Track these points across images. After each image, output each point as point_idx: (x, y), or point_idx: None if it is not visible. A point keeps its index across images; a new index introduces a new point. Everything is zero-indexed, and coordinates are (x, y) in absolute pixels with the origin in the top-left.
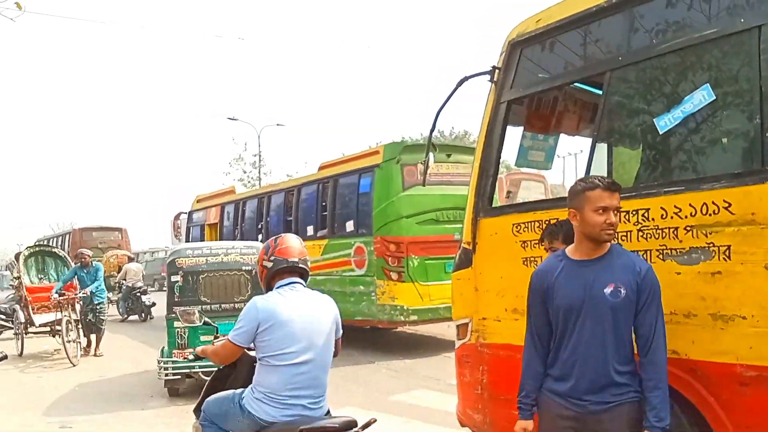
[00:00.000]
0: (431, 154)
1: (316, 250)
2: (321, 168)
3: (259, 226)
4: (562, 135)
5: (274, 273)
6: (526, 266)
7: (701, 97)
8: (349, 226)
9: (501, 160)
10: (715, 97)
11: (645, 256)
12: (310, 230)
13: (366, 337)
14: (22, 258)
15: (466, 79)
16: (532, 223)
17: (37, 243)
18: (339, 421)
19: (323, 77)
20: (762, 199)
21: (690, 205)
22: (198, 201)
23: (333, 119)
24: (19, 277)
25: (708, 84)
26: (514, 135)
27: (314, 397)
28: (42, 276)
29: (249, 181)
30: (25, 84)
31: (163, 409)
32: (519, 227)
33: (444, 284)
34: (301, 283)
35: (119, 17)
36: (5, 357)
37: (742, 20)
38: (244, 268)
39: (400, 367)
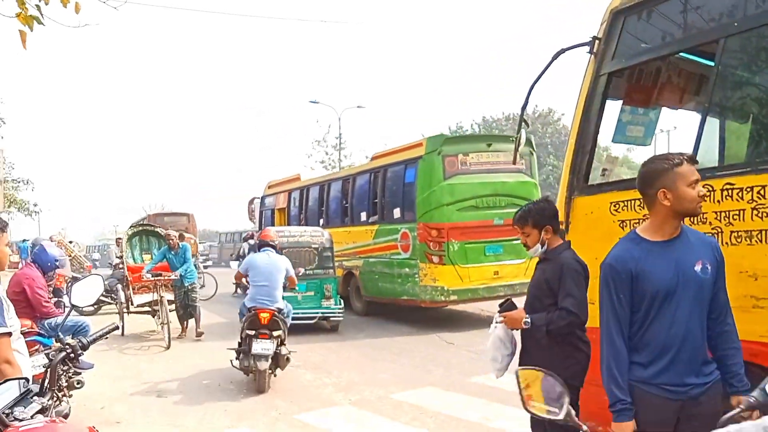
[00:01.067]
0: (523, 131)
1: (368, 235)
2: (373, 158)
3: (321, 211)
4: (663, 109)
5: (259, 245)
6: None
7: None
8: (396, 213)
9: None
10: None
11: (759, 236)
12: (363, 216)
13: (444, 318)
14: (125, 237)
15: (563, 51)
16: (632, 202)
17: (138, 223)
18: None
19: (404, 60)
20: None
21: None
22: (269, 187)
23: (414, 102)
24: (121, 257)
25: None
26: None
27: (269, 299)
28: (146, 254)
29: (330, 163)
30: (121, 73)
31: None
32: (618, 206)
33: (483, 266)
34: (271, 250)
35: (205, 4)
36: (117, 328)
37: None
38: (312, 246)
39: (481, 350)
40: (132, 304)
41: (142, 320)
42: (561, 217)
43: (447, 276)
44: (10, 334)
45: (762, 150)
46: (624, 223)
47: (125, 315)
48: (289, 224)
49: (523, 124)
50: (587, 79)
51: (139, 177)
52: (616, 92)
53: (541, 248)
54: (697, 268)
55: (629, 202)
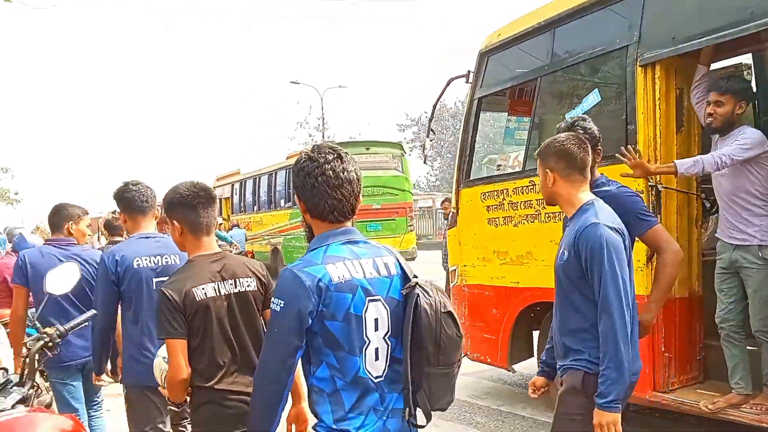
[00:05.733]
0: (427, 139)
1: (285, 217)
2: (287, 158)
3: (254, 199)
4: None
5: None
6: (490, 225)
7: (593, 98)
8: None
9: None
10: (600, 99)
11: (558, 216)
12: (282, 202)
13: None
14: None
15: (452, 79)
16: (494, 192)
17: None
18: None
19: (383, 39)
20: (616, 175)
21: None
22: (217, 180)
23: (395, 80)
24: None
25: (597, 89)
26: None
27: None
28: None
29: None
30: (99, 53)
31: None
32: (485, 195)
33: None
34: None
35: None
36: (95, 315)
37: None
38: None
39: None
40: None
41: None
42: (454, 203)
43: None
44: None
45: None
46: (489, 208)
47: None
48: (232, 212)
49: (429, 132)
50: (467, 102)
51: (114, 164)
52: (500, 107)
53: None
54: (559, 252)
55: (492, 192)
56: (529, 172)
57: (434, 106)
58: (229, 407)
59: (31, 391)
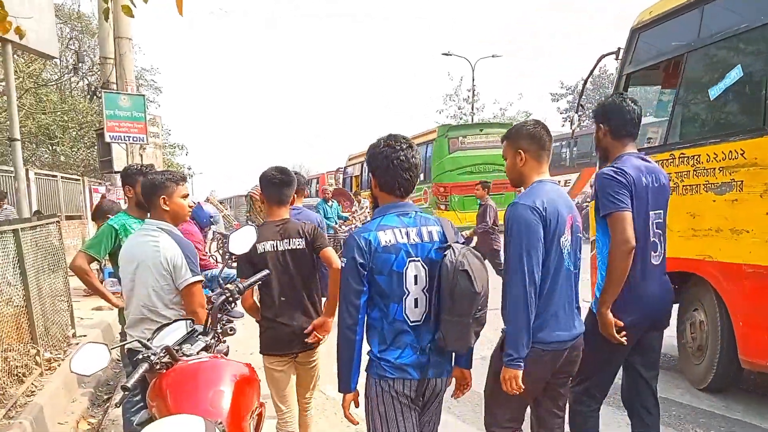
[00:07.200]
0: (576, 114)
1: None
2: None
3: None
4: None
5: None
6: None
7: (735, 73)
8: (421, 177)
9: None
10: (742, 74)
11: (694, 188)
12: None
13: None
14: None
15: (603, 56)
16: None
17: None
18: None
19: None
20: (761, 148)
21: (722, 152)
22: (349, 159)
23: (550, 45)
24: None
25: (740, 65)
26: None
27: None
28: None
29: (462, 117)
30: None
31: None
32: None
33: (473, 212)
34: None
35: None
36: (269, 274)
37: None
38: None
39: None
40: None
41: None
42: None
43: (450, 218)
44: (202, 281)
45: (703, 130)
46: None
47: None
48: (361, 189)
49: (579, 108)
50: (616, 78)
51: (273, 140)
52: (650, 82)
53: None
54: None
55: None
56: (670, 146)
57: (584, 83)
58: (281, 333)
59: (213, 340)
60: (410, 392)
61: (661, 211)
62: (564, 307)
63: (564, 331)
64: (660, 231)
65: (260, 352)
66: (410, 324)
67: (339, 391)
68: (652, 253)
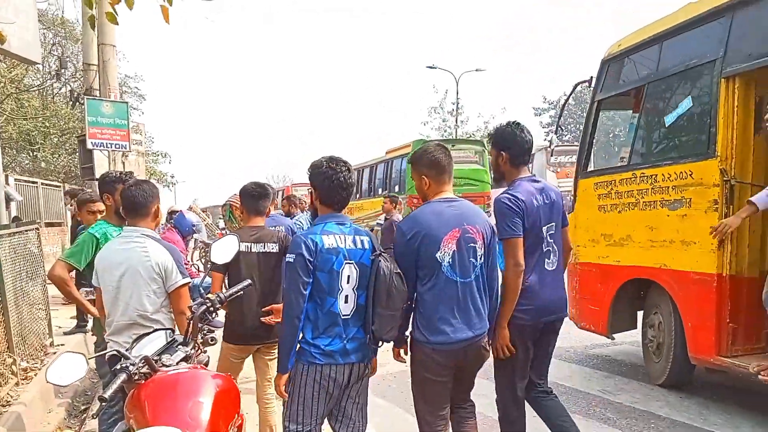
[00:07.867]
0: (555, 136)
1: (380, 204)
2: (386, 153)
3: (361, 186)
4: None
5: None
6: (600, 211)
7: (686, 103)
8: (397, 188)
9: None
10: (692, 104)
11: (652, 204)
12: (380, 190)
13: None
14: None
15: (578, 84)
16: (604, 182)
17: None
18: None
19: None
20: (706, 169)
21: (675, 172)
22: None
23: (533, 60)
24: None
25: (690, 96)
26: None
27: None
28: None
29: (446, 130)
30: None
31: None
32: (597, 185)
33: None
34: None
35: None
36: (250, 284)
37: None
38: None
39: None
40: None
41: None
42: (573, 192)
43: None
44: (190, 282)
45: (659, 153)
46: (599, 197)
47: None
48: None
49: (558, 131)
50: (589, 104)
51: (251, 151)
52: (618, 108)
53: None
54: None
55: (602, 183)
56: (632, 167)
57: (562, 108)
58: (246, 326)
59: (193, 350)
60: (336, 375)
61: (554, 224)
62: (453, 310)
63: (457, 333)
64: (553, 240)
65: (223, 340)
66: (342, 317)
67: (278, 371)
68: (546, 260)
